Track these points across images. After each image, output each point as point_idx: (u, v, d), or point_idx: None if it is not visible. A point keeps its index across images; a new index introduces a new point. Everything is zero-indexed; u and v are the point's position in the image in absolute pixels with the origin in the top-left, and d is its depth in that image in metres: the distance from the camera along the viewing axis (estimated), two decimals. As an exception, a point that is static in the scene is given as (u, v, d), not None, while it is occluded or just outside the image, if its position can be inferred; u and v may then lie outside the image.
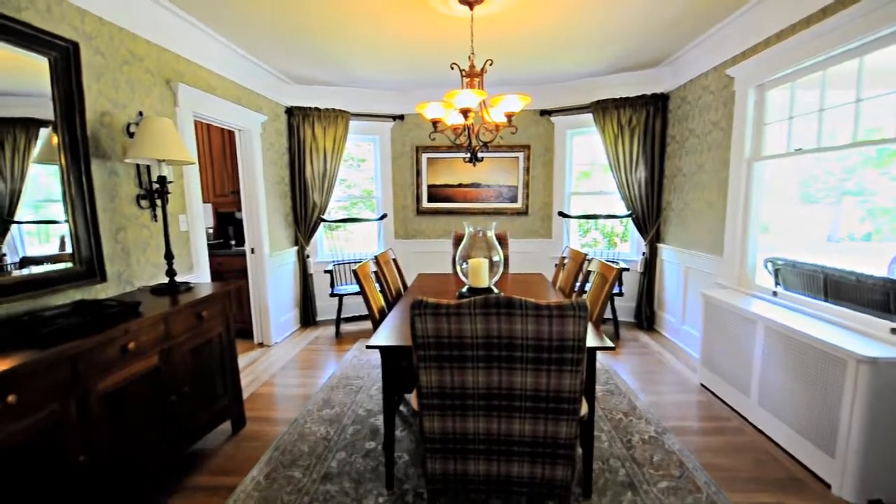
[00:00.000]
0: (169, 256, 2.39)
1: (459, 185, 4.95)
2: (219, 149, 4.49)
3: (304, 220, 4.56)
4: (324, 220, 4.64)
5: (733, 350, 2.72)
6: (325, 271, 4.50)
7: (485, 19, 2.81)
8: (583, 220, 4.90)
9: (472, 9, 2.50)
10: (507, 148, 4.78)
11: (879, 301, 2.45)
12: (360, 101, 4.67)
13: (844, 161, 2.93)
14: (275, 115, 4.26)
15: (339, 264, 4.71)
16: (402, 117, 4.85)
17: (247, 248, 3.95)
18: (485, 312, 1.23)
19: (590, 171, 4.91)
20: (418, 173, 4.97)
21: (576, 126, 4.62)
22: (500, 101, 2.45)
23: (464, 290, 2.54)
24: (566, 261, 3.14)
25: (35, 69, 1.90)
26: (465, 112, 2.38)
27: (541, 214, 4.89)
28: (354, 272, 2.32)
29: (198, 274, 3.04)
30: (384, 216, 4.94)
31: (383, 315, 2.52)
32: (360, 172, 5.35)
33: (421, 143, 4.91)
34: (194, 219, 2.99)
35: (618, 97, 4.18)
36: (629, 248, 4.79)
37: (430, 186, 5.00)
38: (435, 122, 2.63)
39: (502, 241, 3.81)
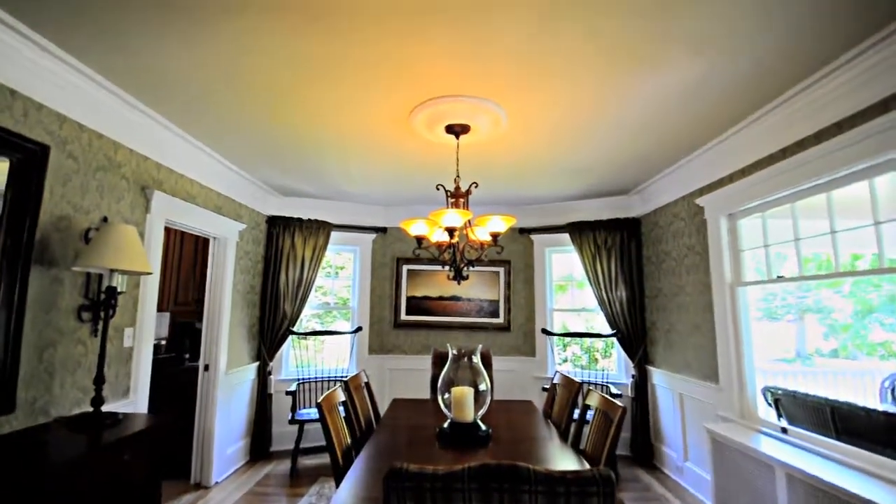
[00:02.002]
0: (99, 381, 2.02)
1: (440, 298, 4.81)
2: (190, 255, 4.29)
3: (271, 331, 4.21)
4: (293, 333, 4.30)
5: (753, 501, 2.37)
6: (287, 393, 3.98)
7: (469, 146, 2.96)
8: (561, 339, 4.72)
9: (457, 138, 2.63)
10: (487, 263, 4.79)
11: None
12: (344, 213, 4.72)
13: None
14: (254, 224, 4.19)
15: (304, 382, 4.24)
16: (384, 230, 4.88)
17: (200, 363, 3.52)
18: (482, 487, 0.95)
19: (566, 285, 4.90)
20: (398, 284, 4.84)
21: (554, 244, 4.72)
22: (486, 221, 2.44)
23: (445, 425, 2.20)
24: (557, 388, 2.87)
25: (-8, 171, 1.77)
26: (450, 231, 2.33)
27: (523, 330, 4.71)
28: (318, 405, 1.99)
29: (134, 399, 2.60)
30: (359, 329, 4.65)
31: (348, 458, 2.12)
32: (338, 281, 5.18)
33: (402, 254, 4.88)
34: (142, 333, 2.66)
35: (592, 220, 4.36)
36: (613, 365, 4.57)
37: (409, 298, 4.83)
38: (419, 239, 2.57)
39: (487, 361, 3.54)
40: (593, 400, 2.21)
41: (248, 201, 4.00)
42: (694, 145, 2.99)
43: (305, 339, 4.55)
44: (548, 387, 3.91)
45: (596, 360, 5.05)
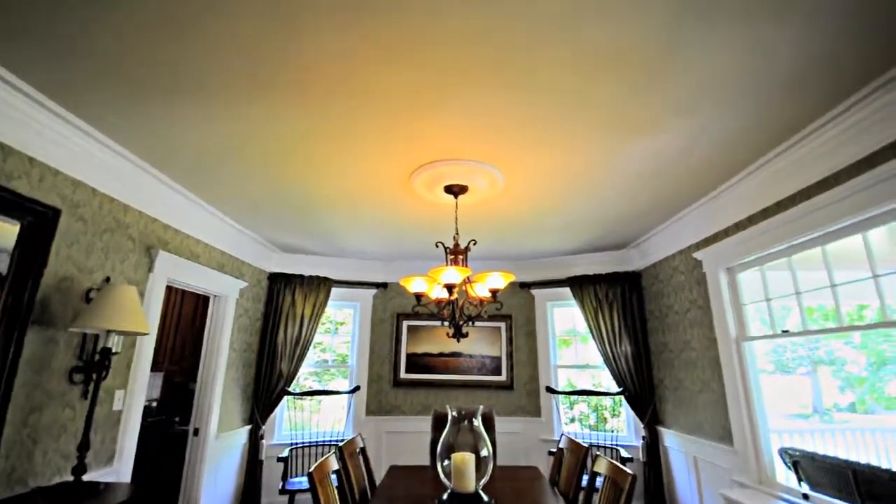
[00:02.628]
0: (84, 447, 1.94)
1: (440, 355, 4.70)
2: (189, 313, 4.28)
3: (266, 391, 4.08)
4: (288, 393, 4.17)
5: (783, 581, 2.16)
6: (279, 459, 3.77)
7: (468, 206, 3.05)
8: (568, 398, 4.55)
9: (456, 197, 2.72)
10: (488, 318, 4.74)
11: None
12: (345, 269, 4.75)
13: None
14: (255, 281, 4.21)
15: (297, 447, 4.04)
16: (385, 285, 4.89)
17: (190, 427, 3.38)
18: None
19: (570, 340, 4.81)
20: (398, 341, 4.76)
21: (555, 298, 4.70)
22: (485, 278, 2.45)
23: (445, 496, 2.07)
24: (565, 452, 2.72)
25: (2, 230, 1.82)
26: (449, 287, 2.34)
27: (527, 389, 4.56)
28: (309, 475, 1.88)
29: (118, 466, 2.47)
30: (356, 388, 4.51)
31: (342, 532, 1.97)
32: (337, 337, 5.10)
33: (402, 310, 4.84)
34: (133, 396, 2.58)
35: (592, 273, 4.37)
36: (623, 426, 4.36)
37: (409, 355, 4.73)
38: (419, 296, 2.57)
39: (489, 423, 3.40)
40: (601, 466, 2.09)
41: (250, 259, 4.05)
42: (688, 201, 3.07)
43: (301, 399, 4.40)
44: (554, 450, 3.71)
45: (605, 419, 4.83)
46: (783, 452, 2.85)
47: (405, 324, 4.82)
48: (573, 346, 4.82)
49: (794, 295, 2.54)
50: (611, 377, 4.16)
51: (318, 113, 1.96)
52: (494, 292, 2.46)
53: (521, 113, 1.97)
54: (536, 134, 2.13)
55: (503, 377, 4.61)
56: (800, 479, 2.75)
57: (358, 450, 2.75)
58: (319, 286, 4.48)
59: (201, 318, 4.09)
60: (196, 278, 3.21)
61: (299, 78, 1.73)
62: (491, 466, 2.19)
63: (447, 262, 2.61)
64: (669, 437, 3.75)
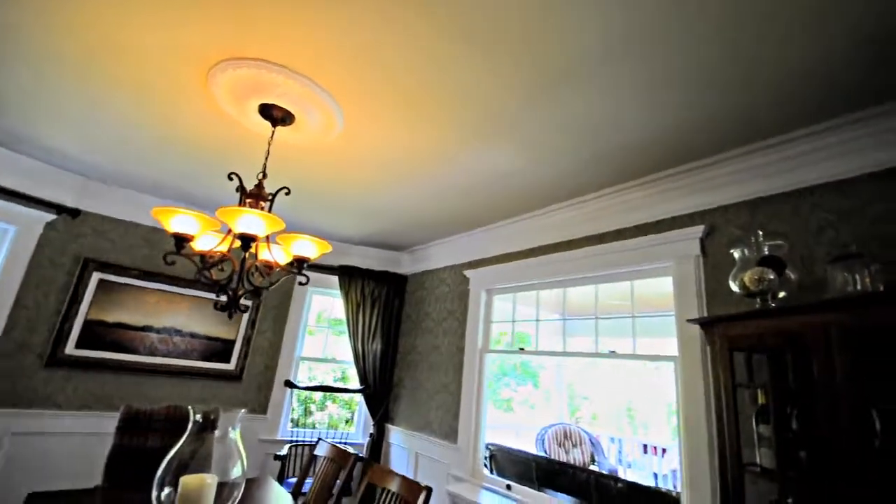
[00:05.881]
0: None
1: (145, 329, 3.44)
2: None
3: None
4: None
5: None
6: None
7: (286, 146, 2.38)
8: (303, 394, 4.18)
9: (274, 126, 2.06)
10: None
11: (582, 486, 2.87)
12: (11, 170, 2.89)
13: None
14: None
15: None
16: (76, 212, 3.25)
17: None
18: None
19: (314, 330, 4.49)
20: (75, 299, 3.20)
21: (319, 284, 4.29)
22: (292, 241, 1.91)
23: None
24: (320, 460, 2.36)
25: None
26: (245, 241, 1.69)
27: (258, 381, 3.89)
28: None
29: None
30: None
31: None
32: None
33: (97, 255, 3.32)
34: None
35: (364, 267, 4.24)
36: (353, 423, 4.32)
37: (91, 322, 3.24)
38: (180, 242, 1.75)
39: (210, 424, 2.65)
40: (393, 484, 1.88)
41: None
42: (463, 227, 3.41)
43: None
44: (282, 453, 3.26)
45: (337, 423, 4.69)
46: (488, 447, 3.42)
47: (96, 276, 3.31)
48: (318, 338, 4.50)
49: (535, 321, 3.14)
50: (355, 375, 4.07)
51: None
52: (300, 262, 1.94)
53: (374, 51, 1.66)
54: (389, 89, 1.84)
55: (231, 365, 3.78)
56: (491, 470, 3.35)
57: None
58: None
59: None
60: None
61: None
62: (240, 493, 1.62)
63: (244, 204, 1.90)
64: (395, 434, 3.93)
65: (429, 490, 1.61)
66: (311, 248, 1.93)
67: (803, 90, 1.62)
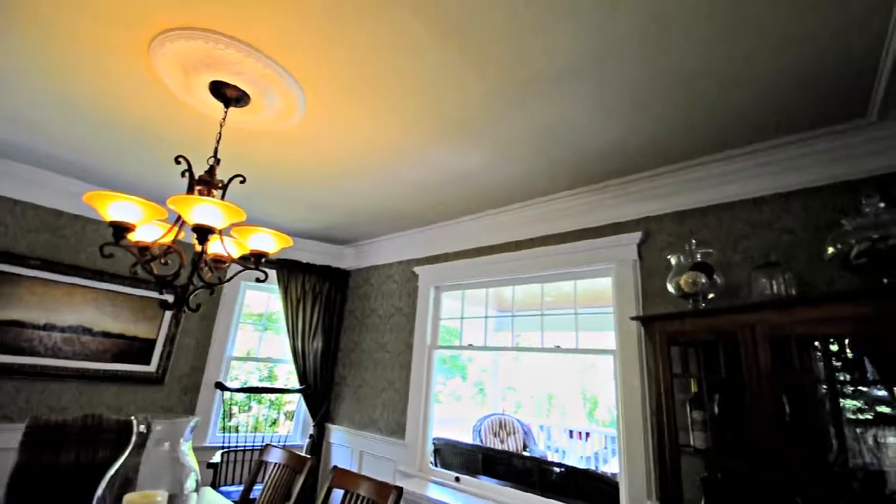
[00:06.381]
0: None
1: (46, 327, 2.97)
2: None
3: None
4: None
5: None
6: None
7: (238, 129, 2.18)
8: (233, 396, 3.90)
9: (226, 107, 1.89)
10: (152, 286, 3.45)
11: (525, 472, 3.04)
12: None
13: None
14: None
15: None
16: (-50, 192, 2.69)
17: None
18: None
19: (244, 327, 4.20)
20: (-52, 295, 2.66)
21: (251, 278, 4.01)
22: (250, 234, 1.78)
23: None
24: (271, 466, 2.22)
25: None
26: (202, 233, 1.54)
27: (184, 384, 3.55)
28: None
29: None
30: None
31: None
32: None
33: (-20, 244, 2.80)
34: None
35: (305, 262, 4.05)
36: (291, 425, 4.12)
37: (-29, 322, 2.73)
38: (119, 231, 1.55)
39: (126, 432, 2.38)
40: (362, 487, 1.83)
41: None
42: (428, 221, 3.40)
43: None
44: (214, 461, 3.03)
45: (262, 425, 4.42)
46: (433, 441, 3.46)
47: (-18, 268, 2.79)
48: (245, 335, 4.21)
49: (483, 318, 3.24)
50: (291, 374, 3.88)
51: None
52: (258, 257, 1.81)
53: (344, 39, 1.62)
54: (358, 73, 1.76)
55: (152, 367, 3.41)
56: (436, 463, 3.41)
57: None
58: None
59: None
60: None
61: None
62: (191, 504, 1.49)
63: (194, 192, 1.72)
64: (337, 434, 3.83)
65: (399, 490, 1.61)
66: (270, 242, 1.81)
67: (710, 124, 1.90)
